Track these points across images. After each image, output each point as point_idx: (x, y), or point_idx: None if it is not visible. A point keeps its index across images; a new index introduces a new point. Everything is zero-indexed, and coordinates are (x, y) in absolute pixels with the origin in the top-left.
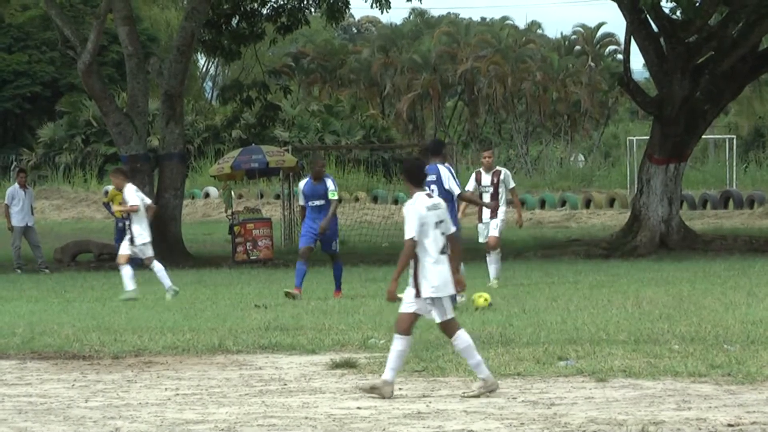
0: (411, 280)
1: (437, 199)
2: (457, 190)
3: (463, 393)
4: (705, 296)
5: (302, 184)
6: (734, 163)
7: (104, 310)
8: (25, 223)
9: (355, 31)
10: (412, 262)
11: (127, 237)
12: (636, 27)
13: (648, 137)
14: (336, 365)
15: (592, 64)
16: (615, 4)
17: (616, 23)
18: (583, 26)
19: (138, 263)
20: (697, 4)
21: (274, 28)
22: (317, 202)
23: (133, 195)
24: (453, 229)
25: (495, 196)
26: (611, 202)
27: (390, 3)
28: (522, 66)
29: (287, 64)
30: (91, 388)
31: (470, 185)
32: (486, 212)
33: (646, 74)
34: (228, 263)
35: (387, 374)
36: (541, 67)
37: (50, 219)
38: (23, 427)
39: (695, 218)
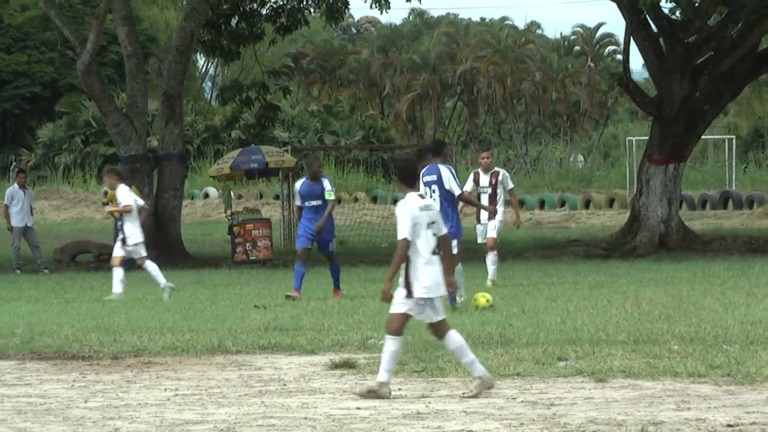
0: (402, 280)
1: (429, 200)
2: (457, 191)
3: (463, 393)
4: (704, 296)
5: (299, 184)
6: (733, 164)
7: (104, 310)
8: (24, 223)
9: (355, 31)
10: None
11: (119, 237)
12: (635, 27)
13: (647, 137)
14: (335, 366)
15: (592, 64)
16: (614, 5)
17: (615, 23)
18: (583, 26)
19: (132, 264)
20: (697, 4)
21: (273, 29)
22: (314, 203)
23: (126, 195)
24: (445, 230)
25: (493, 197)
26: (611, 203)
27: (389, 3)
28: (521, 66)
29: (287, 64)
30: (90, 389)
31: (468, 186)
32: (484, 213)
33: (646, 74)
34: (227, 264)
35: (382, 376)
36: (541, 68)
37: (50, 219)
38: (23, 428)
39: (695, 218)
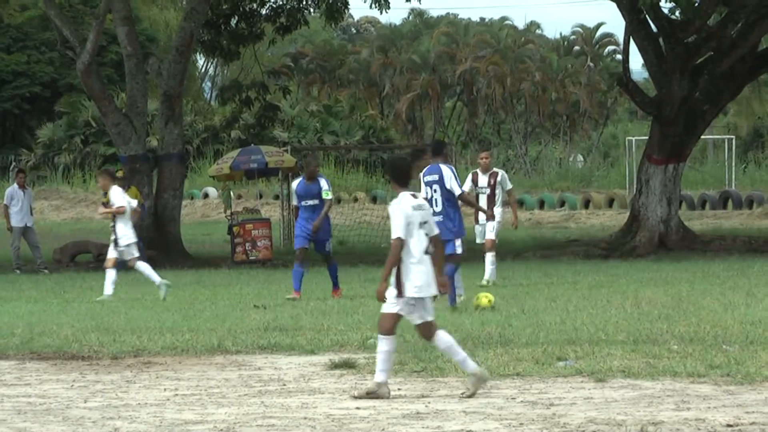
0: (393, 280)
1: (422, 200)
2: (458, 191)
3: (462, 393)
4: (704, 296)
5: (295, 183)
6: (733, 164)
7: (103, 310)
8: (24, 223)
9: (354, 31)
10: None
11: (112, 238)
12: (635, 27)
13: (647, 137)
14: (335, 366)
15: (591, 64)
16: (614, 5)
17: (615, 23)
18: (582, 26)
19: (125, 265)
20: (696, 4)
21: (273, 29)
22: (311, 202)
23: (119, 197)
24: (437, 230)
25: (492, 197)
26: (610, 203)
27: (389, 3)
28: (521, 66)
29: (286, 64)
30: (90, 389)
31: (466, 186)
32: (482, 214)
33: (645, 74)
34: (227, 264)
35: (378, 376)
36: (540, 68)
37: (49, 219)
38: (22, 428)
39: (694, 218)
